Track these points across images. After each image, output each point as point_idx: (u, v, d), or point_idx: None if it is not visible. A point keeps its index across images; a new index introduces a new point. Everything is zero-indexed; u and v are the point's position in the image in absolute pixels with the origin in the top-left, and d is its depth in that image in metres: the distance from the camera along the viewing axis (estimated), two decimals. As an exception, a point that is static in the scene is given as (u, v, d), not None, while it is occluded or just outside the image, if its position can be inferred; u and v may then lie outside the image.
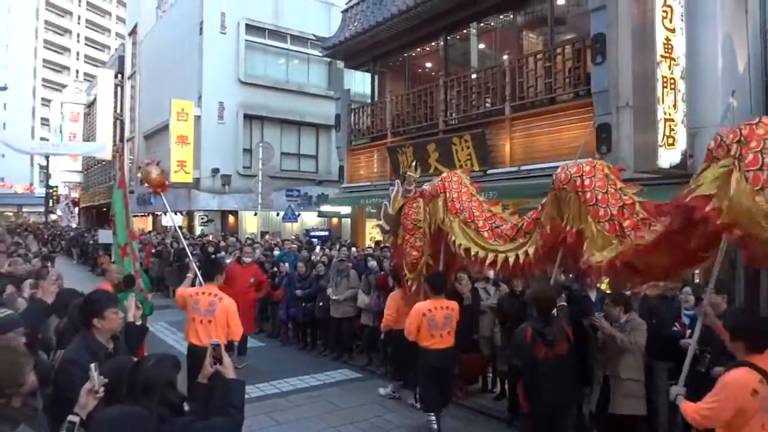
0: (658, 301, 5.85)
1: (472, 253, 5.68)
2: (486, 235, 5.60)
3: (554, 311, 4.61)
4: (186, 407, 2.58)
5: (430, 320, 5.68)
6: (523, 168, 10.38)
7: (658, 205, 3.97)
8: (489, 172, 11.04)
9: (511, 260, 5.17)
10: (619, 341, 4.89)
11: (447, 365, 5.90)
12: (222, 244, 14.55)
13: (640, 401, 4.89)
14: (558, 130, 10.00)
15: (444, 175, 6.61)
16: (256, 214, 17.36)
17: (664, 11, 7.77)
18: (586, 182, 4.38)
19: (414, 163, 7.65)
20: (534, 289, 4.89)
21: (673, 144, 7.65)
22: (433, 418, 5.79)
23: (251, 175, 18.19)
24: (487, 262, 5.51)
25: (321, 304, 9.11)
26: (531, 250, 4.95)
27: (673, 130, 7.67)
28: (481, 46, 13.91)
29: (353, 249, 11.79)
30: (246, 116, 21.59)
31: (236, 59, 21.35)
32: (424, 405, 5.99)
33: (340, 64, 17.46)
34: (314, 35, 18.54)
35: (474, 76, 12.19)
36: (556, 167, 9.07)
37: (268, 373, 8.06)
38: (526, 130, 10.64)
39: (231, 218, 21.76)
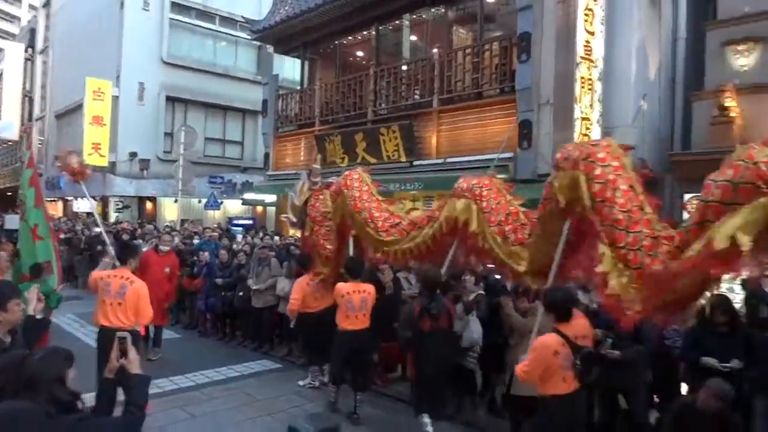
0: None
1: (371, 253, 6.14)
2: (384, 235, 5.90)
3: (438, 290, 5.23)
4: (80, 404, 2.39)
5: (347, 302, 5.93)
6: (449, 160, 10.53)
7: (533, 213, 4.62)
8: (415, 163, 11.13)
9: (406, 251, 5.59)
10: (516, 322, 5.12)
11: (362, 346, 6.11)
12: (138, 231, 13.86)
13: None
14: (483, 124, 10.21)
15: (346, 173, 6.73)
16: (176, 201, 16.67)
17: (585, 14, 8.08)
18: (484, 193, 4.93)
19: (318, 156, 7.71)
20: (421, 271, 5.41)
21: (589, 142, 7.98)
22: (335, 388, 6.13)
23: (172, 160, 17.43)
24: (388, 258, 5.97)
25: (241, 293, 8.85)
26: (422, 242, 5.41)
27: (589, 128, 8.01)
28: (413, 38, 13.98)
29: (276, 238, 11.55)
30: (168, 98, 20.65)
31: (159, 38, 20.35)
32: (331, 377, 6.24)
33: (270, 48, 17.05)
34: (243, 17, 18.00)
35: (404, 67, 12.22)
36: (482, 160, 9.40)
37: (183, 366, 7.75)
38: (453, 123, 10.78)
39: (149, 205, 20.80)
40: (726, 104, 7.51)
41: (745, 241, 2.73)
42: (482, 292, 6.09)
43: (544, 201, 4.17)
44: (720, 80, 7.93)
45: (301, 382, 7.18)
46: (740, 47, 7.92)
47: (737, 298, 5.46)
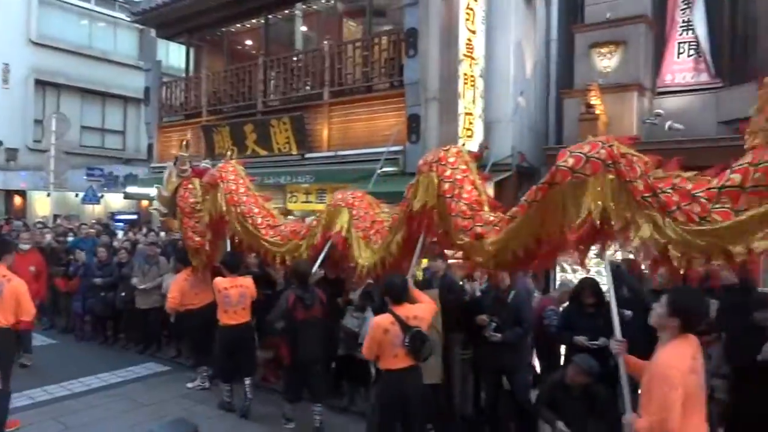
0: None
1: (246, 245, 6.33)
2: (263, 231, 6.11)
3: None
4: None
5: (224, 297, 5.97)
6: (340, 153, 10.57)
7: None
8: (307, 156, 11.06)
9: (288, 258, 5.92)
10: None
11: (243, 341, 6.18)
12: (5, 228, 12.65)
13: (434, 371, 5.28)
14: (374, 117, 10.33)
15: (220, 165, 6.73)
16: (48, 195, 15.38)
17: (467, 13, 8.42)
18: (356, 203, 5.49)
19: (185, 143, 7.62)
20: (293, 265, 5.71)
21: (471, 136, 8.37)
22: (229, 387, 6.14)
23: (43, 150, 16.02)
24: (267, 257, 6.19)
25: (123, 294, 8.40)
26: (305, 253, 5.81)
27: (472, 123, 8.39)
28: (304, 28, 13.81)
29: (162, 234, 11.03)
30: (38, 82, 18.90)
31: (26, 15, 18.51)
32: (221, 376, 6.24)
33: (153, 32, 16.11)
34: (121, -2, 16.85)
35: (295, 58, 12.06)
36: (372, 153, 9.53)
37: (58, 374, 7.25)
38: (344, 116, 10.82)
39: (18, 199, 19.01)
40: (592, 102, 8.17)
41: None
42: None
43: (403, 201, 4.77)
44: (587, 80, 8.61)
45: (189, 384, 6.97)
46: (603, 50, 8.65)
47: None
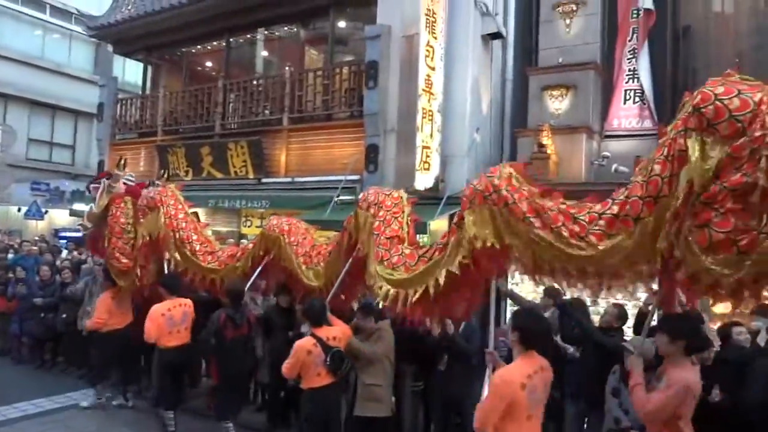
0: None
1: (183, 271, 6.42)
2: (201, 258, 6.30)
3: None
4: None
5: (168, 319, 5.95)
6: (297, 179, 10.60)
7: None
8: (264, 180, 11.03)
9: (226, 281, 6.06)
10: (363, 353, 5.14)
11: (185, 361, 6.17)
12: (-62, 243, 12.02)
13: (381, 404, 5.22)
14: (332, 145, 10.43)
15: (159, 188, 6.83)
16: (-11, 209, 14.74)
17: (427, 50, 8.67)
18: (292, 230, 5.86)
19: (122, 161, 7.63)
20: (226, 285, 5.87)
21: (428, 169, 8.55)
22: (172, 415, 6.00)
23: (-14, 162, 15.39)
24: (205, 282, 6.33)
25: (65, 315, 8.08)
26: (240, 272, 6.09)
27: (429, 156, 8.58)
28: (266, 53, 13.88)
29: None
30: (-16, 92, 18.29)
31: (-26, 23, 17.99)
32: (164, 403, 6.10)
33: (110, 47, 15.84)
34: (78, 10, 16.53)
35: (255, 82, 12.09)
36: (329, 181, 9.59)
37: (-8, 398, 6.90)
38: (303, 142, 10.88)
39: (-45, 211, 18.12)
40: (544, 142, 8.50)
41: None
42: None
43: (342, 230, 5.25)
44: (539, 120, 8.96)
45: (84, 404, 6.89)
46: (555, 92, 9.04)
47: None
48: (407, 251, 4.50)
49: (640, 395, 3.29)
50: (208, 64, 14.61)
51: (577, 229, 3.23)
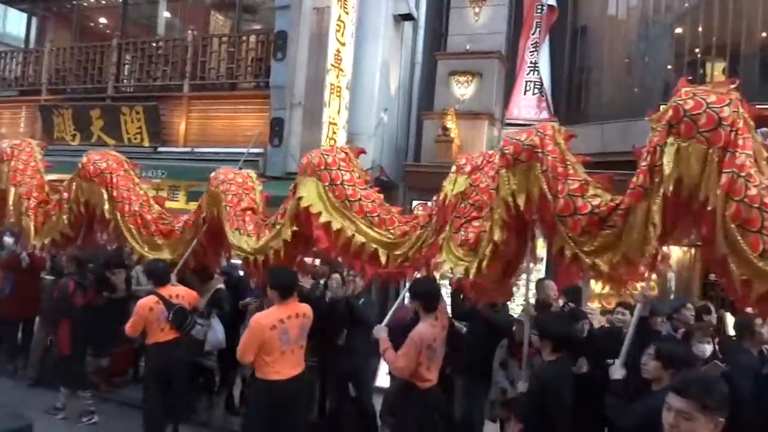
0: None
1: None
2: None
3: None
4: None
5: None
6: (197, 150, 10.12)
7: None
8: (160, 149, 10.44)
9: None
10: None
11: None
12: None
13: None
14: (236, 116, 10.07)
15: (15, 142, 6.64)
16: None
17: (338, 25, 8.55)
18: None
19: None
20: (68, 252, 5.86)
21: (334, 146, 8.46)
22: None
23: None
24: None
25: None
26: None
27: (336, 133, 8.51)
28: (167, 14, 13.03)
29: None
30: None
31: None
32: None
33: (-13, -7, 14.23)
34: (-51, -51, 14.66)
35: (155, 44, 11.35)
36: (232, 153, 9.24)
37: None
38: (204, 111, 10.42)
39: None
40: (448, 125, 8.69)
41: None
42: (223, 285, 6.02)
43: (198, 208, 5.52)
44: (445, 104, 9.14)
45: None
46: (461, 78, 9.25)
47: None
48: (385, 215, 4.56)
49: (391, 356, 3.88)
50: (103, 20, 13.51)
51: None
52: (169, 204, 6.83)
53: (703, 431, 1.84)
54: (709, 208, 2.93)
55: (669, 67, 9.04)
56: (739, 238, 2.83)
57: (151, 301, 4.81)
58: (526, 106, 9.81)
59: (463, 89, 9.24)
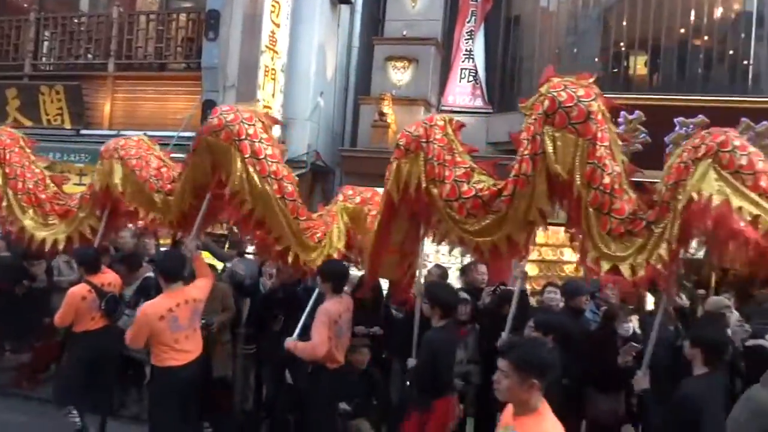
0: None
1: None
2: None
3: None
4: None
5: None
6: (123, 133, 9.62)
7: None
8: (83, 132, 9.92)
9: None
10: None
11: None
12: None
13: (224, 363, 5.27)
14: (165, 98, 9.70)
15: None
16: None
17: (272, 6, 8.36)
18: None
19: None
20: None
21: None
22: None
23: None
24: None
25: None
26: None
27: (270, 117, 8.33)
28: (91, -11, 12.33)
29: None
30: None
31: None
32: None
33: None
34: None
35: (77, 20, 10.72)
36: (161, 137, 8.89)
37: None
38: (131, 92, 9.97)
39: None
40: (384, 111, 8.70)
41: None
42: (152, 274, 5.82)
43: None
44: (382, 89, 9.15)
45: None
46: (398, 64, 9.28)
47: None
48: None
49: (304, 345, 3.93)
50: (18, -8, 12.61)
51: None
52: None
53: (517, 389, 2.06)
54: (575, 193, 3.22)
55: (596, 59, 9.40)
56: (593, 220, 3.19)
57: (84, 290, 4.63)
58: (461, 93, 9.95)
59: (399, 75, 9.26)
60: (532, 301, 5.59)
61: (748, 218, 2.77)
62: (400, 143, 3.81)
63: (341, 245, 4.36)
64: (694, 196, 2.86)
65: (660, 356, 3.97)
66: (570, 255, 8.12)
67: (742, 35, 8.65)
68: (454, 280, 7.06)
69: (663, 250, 3.02)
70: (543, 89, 3.31)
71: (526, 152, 3.32)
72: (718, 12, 8.85)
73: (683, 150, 3.15)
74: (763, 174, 2.89)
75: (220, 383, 5.22)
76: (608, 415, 4.29)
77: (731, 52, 8.75)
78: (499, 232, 3.48)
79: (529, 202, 3.34)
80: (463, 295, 4.69)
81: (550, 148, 3.22)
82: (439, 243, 4.05)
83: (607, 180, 3.17)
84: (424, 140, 3.69)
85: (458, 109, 9.76)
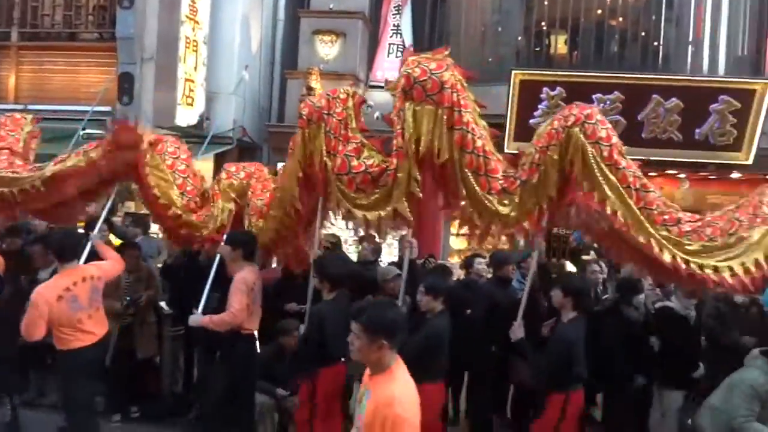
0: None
1: None
2: None
3: None
4: None
5: None
6: (31, 107, 8.97)
7: None
8: (-15, 105, 9.15)
9: None
10: None
11: None
12: None
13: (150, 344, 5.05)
14: (77, 71, 9.14)
15: None
16: None
17: (193, -27, 7.96)
18: None
19: None
20: None
21: (191, 104, 7.99)
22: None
23: None
24: None
25: None
26: None
27: (193, 90, 8.01)
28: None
29: None
30: None
31: None
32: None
33: None
34: None
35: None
36: (73, 111, 8.38)
37: None
38: (39, 64, 9.31)
39: None
40: (312, 85, 8.54)
41: None
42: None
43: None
44: (310, 63, 8.96)
45: None
46: (326, 38, 9.12)
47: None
48: None
49: (218, 317, 3.93)
50: None
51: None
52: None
53: (367, 350, 2.11)
54: (441, 160, 3.46)
55: (519, 37, 9.62)
56: (473, 181, 3.44)
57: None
58: (389, 68, 9.92)
59: (327, 49, 9.12)
60: (461, 273, 5.74)
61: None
62: (303, 113, 3.85)
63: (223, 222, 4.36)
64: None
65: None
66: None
67: (653, 17, 9.12)
68: (387, 255, 7.19)
69: (532, 205, 3.42)
70: (402, 69, 3.51)
71: (398, 127, 3.52)
72: (633, -6, 9.29)
73: (554, 119, 3.49)
74: (615, 147, 3.34)
75: (146, 365, 5.06)
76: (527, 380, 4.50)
77: (643, 33, 9.20)
78: (386, 206, 3.63)
79: (408, 175, 3.53)
80: (395, 270, 4.74)
81: (410, 121, 3.45)
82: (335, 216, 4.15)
83: (479, 143, 3.43)
84: (325, 112, 3.76)
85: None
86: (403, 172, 3.52)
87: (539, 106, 7.22)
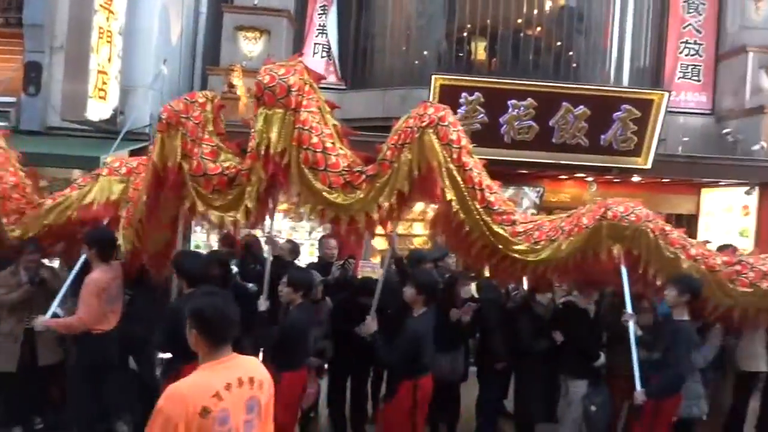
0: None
1: None
2: None
3: None
4: None
5: None
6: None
7: None
8: None
9: None
10: None
11: None
12: None
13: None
14: (-23, 57, 8.44)
15: None
16: None
17: (106, -41, 7.59)
18: None
19: None
20: None
21: (104, 98, 7.63)
22: None
23: None
24: None
25: None
26: None
27: (106, 83, 7.65)
28: None
29: None
30: None
31: None
32: None
33: None
34: None
35: None
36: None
37: None
38: (-69, 48, 8.53)
39: None
40: (234, 83, 8.38)
41: None
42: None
43: None
44: (232, 60, 8.79)
45: None
46: (249, 34, 8.98)
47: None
48: None
49: (65, 320, 4.09)
50: None
51: None
52: None
53: (194, 341, 2.14)
54: (285, 161, 3.69)
55: (443, 42, 9.88)
56: (310, 176, 3.68)
57: None
58: (314, 68, 9.89)
59: (251, 46, 8.99)
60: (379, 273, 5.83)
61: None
62: (162, 117, 3.94)
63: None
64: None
65: (491, 316, 4.52)
66: (420, 229, 8.59)
67: (566, 29, 9.65)
68: (307, 255, 7.20)
69: (383, 199, 3.67)
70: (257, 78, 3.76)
71: (253, 131, 3.77)
72: (548, 5, 9.77)
73: (410, 117, 3.75)
74: (464, 149, 3.69)
75: (48, 372, 4.79)
76: (448, 372, 4.67)
77: (558, 43, 9.72)
78: (240, 205, 3.83)
79: (258, 175, 3.77)
80: (316, 274, 4.75)
81: (260, 125, 3.69)
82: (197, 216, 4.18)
83: (315, 140, 3.68)
84: (183, 115, 3.88)
85: (312, 85, 9.74)
86: (255, 174, 3.75)
87: (458, 111, 7.45)
